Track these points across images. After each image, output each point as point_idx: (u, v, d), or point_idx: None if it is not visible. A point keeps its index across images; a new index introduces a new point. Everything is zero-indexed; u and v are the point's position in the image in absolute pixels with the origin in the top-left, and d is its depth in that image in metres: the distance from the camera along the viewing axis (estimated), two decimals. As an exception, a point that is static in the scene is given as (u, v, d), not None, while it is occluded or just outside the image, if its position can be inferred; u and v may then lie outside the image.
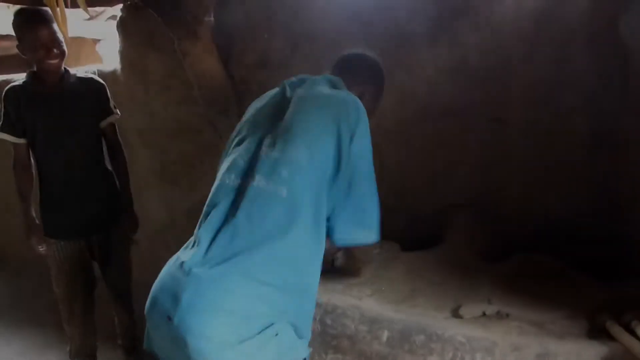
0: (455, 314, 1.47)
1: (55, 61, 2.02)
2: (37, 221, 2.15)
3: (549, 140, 2.18)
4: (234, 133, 1.41)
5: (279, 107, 1.34)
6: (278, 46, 2.53)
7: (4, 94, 2.08)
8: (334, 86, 1.40)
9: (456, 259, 1.95)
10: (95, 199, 2.20)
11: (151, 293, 1.23)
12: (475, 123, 2.27)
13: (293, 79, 1.44)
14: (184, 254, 1.22)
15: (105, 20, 4.39)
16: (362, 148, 1.27)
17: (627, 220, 1.99)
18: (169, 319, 1.13)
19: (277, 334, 1.15)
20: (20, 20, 1.98)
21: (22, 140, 2.09)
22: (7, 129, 2.07)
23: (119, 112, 2.30)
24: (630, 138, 1.98)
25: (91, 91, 2.19)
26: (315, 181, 1.21)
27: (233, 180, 1.26)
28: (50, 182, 2.14)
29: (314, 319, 1.46)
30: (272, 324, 1.14)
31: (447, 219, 2.34)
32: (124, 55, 3.03)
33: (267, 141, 1.27)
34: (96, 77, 2.27)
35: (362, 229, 1.31)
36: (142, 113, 3.06)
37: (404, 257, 1.99)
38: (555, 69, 2.10)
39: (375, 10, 2.29)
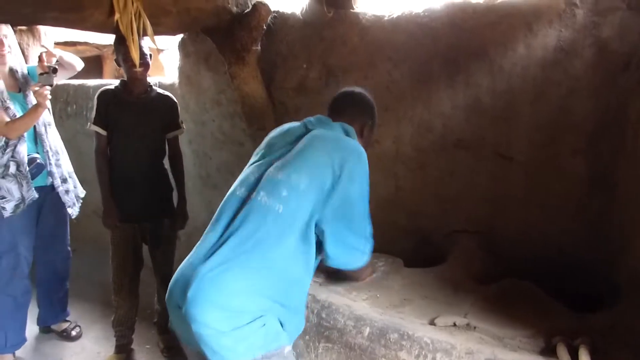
0: (431, 322, 1.71)
1: (139, 70, 2.50)
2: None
3: (551, 178, 2.37)
4: (256, 152, 1.69)
5: (295, 138, 1.60)
6: (314, 75, 2.84)
7: (97, 94, 2.64)
8: (346, 133, 1.63)
9: (451, 279, 2.16)
10: (151, 192, 2.67)
11: (170, 285, 1.51)
12: (484, 157, 2.49)
13: (312, 118, 1.70)
14: (194, 255, 1.49)
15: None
16: (359, 188, 1.52)
17: (613, 261, 2.15)
18: (179, 307, 1.41)
19: (264, 325, 1.40)
20: (117, 39, 2.48)
21: (104, 133, 2.61)
22: (97, 122, 2.60)
23: (184, 128, 2.81)
24: (622, 182, 2.15)
25: (165, 107, 2.71)
26: (308, 204, 1.44)
27: (243, 193, 1.53)
28: (118, 173, 2.65)
29: (312, 312, 1.74)
30: (261, 316, 1.39)
31: (452, 242, 2.56)
32: (182, 71, 3.43)
33: (277, 164, 1.53)
34: (171, 96, 2.77)
35: (352, 257, 1.59)
36: (193, 123, 3.45)
37: (405, 271, 2.22)
38: (560, 113, 2.30)
39: (400, 49, 2.57)
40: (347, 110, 1.71)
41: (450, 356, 1.47)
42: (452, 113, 2.52)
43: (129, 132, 2.60)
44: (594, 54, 2.19)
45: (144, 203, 2.64)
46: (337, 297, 1.82)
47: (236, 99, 3.03)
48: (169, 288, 1.51)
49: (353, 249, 1.56)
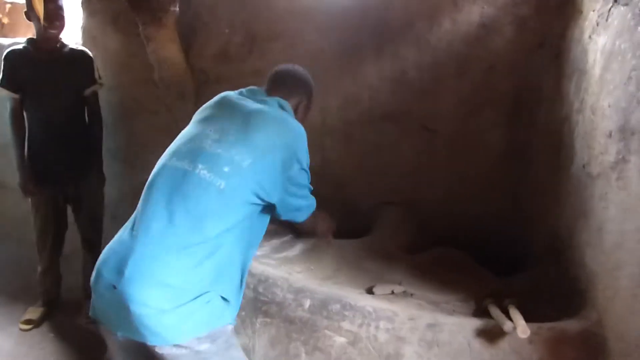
0: (369, 291, 1.71)
1: (55, 31, 2.39)
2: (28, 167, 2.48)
3: (471, 150, 2.48)
4: (189, 124, 1.56)
5: (230, 110, 1.51)
6: (238, 41, 2.70)
7: (4, 54, 2.40)
8: (282, 108, 1.57)
9: (379, 248, 2.20)
10: (69, 152, 2.52)
11: (96, 267, 1.37)
12: (409, 130, 2.54)
13: (245, 90, 1.62)
14: (126, 231, 1.37)
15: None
16: (305, 175, 1.53)
17: (527, 225, 2.30)
18: (114, 287, 1.28)
19: (209, 301, 1.32)
20: None
21: (16, 95, 2.43)
22: (6, 84, 2.42)
23: (102, 83, 2.64)
24: (535, 154, 2.30)
25: (79, 62, 2.53)
26: (251, 183, 1.38)
27: (175, 164, 1.40)
28: (33, 134, 2.49)
29: (247, 287, 1.66)
30: (205, 292, 1.31)
31: (378, 213, 2.60)
32: (86, 31, 3.11)
33: (213, 136, 1.43)
34: (86, 50, 2.59)
35: (299, 215, 1.58)
36: (100, 90, 3.15)
37: (335, 243, 2.20)
38: (481, 88, 2.40)
39: (329, 19, 2.51)
40: (286, 84, 1.66)
41: (393, 323, 1.48)
42: (379, 85, 2.53)
43: (42, 91, 2.44)
44: (513, 31, 2.30)
45: (61, 164, 2.52)
46: (272, 270, 1.76)
47: (150, 63, 2.80)
48: (96, 269, 1.36)
49: (299, 210, 1.56)
